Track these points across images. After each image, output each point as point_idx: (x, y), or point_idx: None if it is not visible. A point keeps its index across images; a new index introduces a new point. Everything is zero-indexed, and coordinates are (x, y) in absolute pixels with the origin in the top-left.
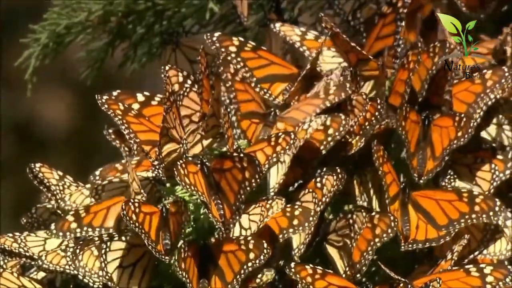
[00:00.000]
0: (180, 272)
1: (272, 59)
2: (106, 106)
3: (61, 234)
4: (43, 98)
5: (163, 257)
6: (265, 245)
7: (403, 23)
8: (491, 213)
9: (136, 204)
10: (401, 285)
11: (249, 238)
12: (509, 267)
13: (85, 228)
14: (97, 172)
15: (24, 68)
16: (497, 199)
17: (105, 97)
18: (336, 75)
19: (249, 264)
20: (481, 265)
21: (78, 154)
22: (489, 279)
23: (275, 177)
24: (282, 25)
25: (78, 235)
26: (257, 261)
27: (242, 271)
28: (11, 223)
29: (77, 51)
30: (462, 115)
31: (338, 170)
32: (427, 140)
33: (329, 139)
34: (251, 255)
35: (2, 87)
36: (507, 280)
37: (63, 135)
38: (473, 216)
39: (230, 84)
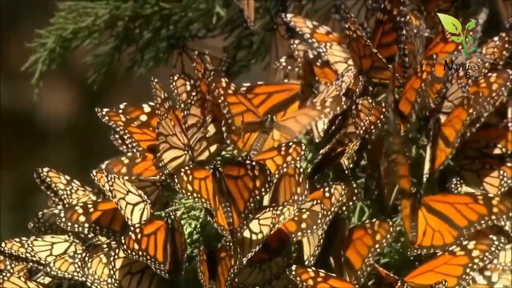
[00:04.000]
0: (200, 275)
1: (270, 90)
2: (107, 118)
3: (69, 224)
4: (44, 90)
5: (172, 276)
6: (239, 250)
7: (404, 31)
8: (511, 214)
9: (137, 230)
10: (399, 284)
11: (231, 243)
12: (491, 236)
13: (93, 225)
14: (103, 166)
15: (25, 60)
16: None
17: (105, 109)
18: (349, 76)
19: (231, 270)
20: (464, 243)
21: (79, 147)
22: (475, 253)
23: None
24: (294, 16)
25: (86, 231)
26: (235, 266)
27: (228, 278)
28: (10, 215)
29: (81, 49)
30: (470, 96)
31: (354, 185)
32: (437, 143)
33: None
34: (232, 261)
35: (3, 79)
36: (492, 249)
37: (64, 128)
38: (493, 217)
39: (223, 99)
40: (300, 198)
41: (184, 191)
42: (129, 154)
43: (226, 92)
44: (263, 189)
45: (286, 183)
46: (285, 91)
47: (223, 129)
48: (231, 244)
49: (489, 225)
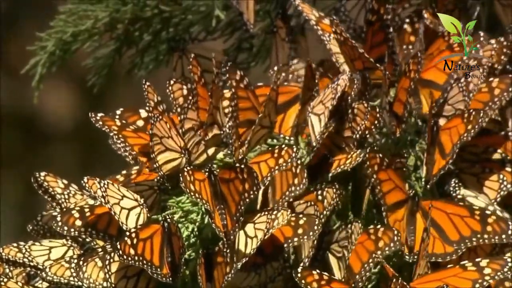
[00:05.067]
0: (199, 277)
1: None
2: (100, 123)
3: (65, 228)
4: (46, 92)
5: (169, 280)
6: (235, 258)
7: (391, 29)
8: (503, 236)
9: (133, 235)
10: (394, 281)
11: (228, 250)
12: (506, 257)
13: (89, 229)
14: None
15: (26, 61)
16: (510, 221)
17: (100, 114)
18: (344, 79)
19: (225, 277)
20: (477, 259)
21: (80, 150)
22: (487, 271)
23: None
24: (302, 2)
25: (83, 236)
26: (230, 274)
27: (223, 284)
28: (12, 217)
29: (82, 50)
30: (471, 111)
31: (337, 186)
32: (435, 146)
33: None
34: (228, 268)
35: (4, 82)
36: (505, 270)
37: (66, 130)
38: (485, 236)
39: (234, 91)
40: (298, 188)
41: (188, 190)
42: (124, 172)
43: (238, 85)
44: (251, 192)
45: (282, 177)
46: (285, 93)
47: (226, 123)
48: (227, 250)
49: (480, 243)
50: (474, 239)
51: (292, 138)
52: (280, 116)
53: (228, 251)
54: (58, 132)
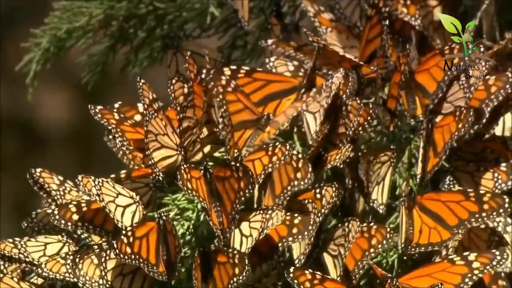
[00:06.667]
0: (194, 282)
1: (268, 78)
2: (99, 115)
3: (62, 222)
4: (44, 96)
5: (165, 278)
6: (246, 261)
7: (387, 22)
8: (501, 210)
9: (129, 234)
10: (388, 281)
11: (235, 252)
12: (494, 250)
13: (86, 224)
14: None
15: (25, 65)
16: (505, 196)
17: (99, 107)
18: (338, 77)
19: (234, 279)
20: (465, 253)
21: (79, 152)
22: (475, 265)
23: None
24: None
25: (79, 231)
26: (241, 277)
27: (230, 285)
28: (11, 220)
29: (78, 52)
30: (462, 108)
31: (336, 185)
32: (430, 143)
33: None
34: (236, 270)
35: (3, 84)
36: (494, 263)
37: (64, 133)
38: (483, 214)
39: (221, 97)
40: (302, 182)
41: (185, 188)
42: (123, 171)
43: (226, 89)
44: (247, 190)
45: (282, 172)
46: (283, 82)
47: (220, 127)
48: (235, 252)
49: (479, 223)
50: (473, 219)
51: (284, 123)
52: (276, 102)
53: (236, 252)
54: (57, 135)
